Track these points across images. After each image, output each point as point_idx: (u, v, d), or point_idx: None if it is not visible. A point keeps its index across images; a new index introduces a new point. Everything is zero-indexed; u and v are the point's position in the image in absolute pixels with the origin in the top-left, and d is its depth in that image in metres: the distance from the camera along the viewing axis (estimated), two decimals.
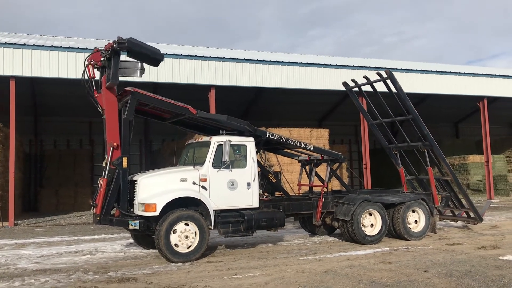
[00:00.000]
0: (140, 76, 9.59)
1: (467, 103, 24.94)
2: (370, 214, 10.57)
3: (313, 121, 28.94)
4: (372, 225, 10.55)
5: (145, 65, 9.69)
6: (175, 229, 8.54)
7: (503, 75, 23.90)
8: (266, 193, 10.41)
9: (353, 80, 13.00)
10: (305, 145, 10.96)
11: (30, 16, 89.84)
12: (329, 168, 11.11)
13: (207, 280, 7.22)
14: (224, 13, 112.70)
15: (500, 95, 23.79)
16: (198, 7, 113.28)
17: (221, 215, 9.20)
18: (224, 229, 9.21)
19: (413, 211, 11.09)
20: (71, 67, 16.04)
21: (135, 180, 9.03)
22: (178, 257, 8.54)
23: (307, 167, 12.00)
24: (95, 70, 9.23)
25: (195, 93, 18.50)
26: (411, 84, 20.60)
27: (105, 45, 9.09)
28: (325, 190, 10.91)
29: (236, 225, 9.30)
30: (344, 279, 7.08)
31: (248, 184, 9.54)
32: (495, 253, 8.95)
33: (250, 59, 18.97)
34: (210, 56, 18.26)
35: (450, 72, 22.68)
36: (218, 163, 9.23)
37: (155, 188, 8.86)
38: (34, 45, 15.98)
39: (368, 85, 12.57)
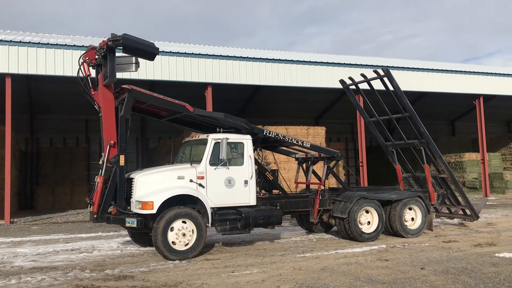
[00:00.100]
0: (136, 70, 9.54)
1: (463, 101, 25.02)
2: (367, 212, 10.59)
3: (310, 119, 28.98)
4: (369, 222, 10.57)
5: (141, 63, 9.66)
6: (173, 227, 8.54)
7: (499, 73, 24.00)
8: (263, 191, 10.41)
9: (350, 78, 13.02)
10: (302, 143, 10.97)
11: (26, 14, 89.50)
12: (326, 165, 11.13)
13: (204, 277, 7.22)
14: (220, 10, 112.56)
15: (496, 93, 23.88)
16: (194, 4, 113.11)
17: (219, 213, 9.20)
18: (222, 226, 9.21)
19: (410, 209, 11.12)
20: (67, 64, 15.98)
21: (132, 178, 9.02)
22: (175, 254, 8.54)
23: (304, 165, 12.01)
24: (90, 68, 9.20)
25: (192, 91, 18.49)
26: (407, 82, 20.63)
27: (100, 43, 9.06)
28: (322, 187, 10.93)
29: (234, 222, 9.31)
30: (341, 277, 7.09)
31: (246, 182, 9.54)
32: (491, 250, 8.99)
33: (247, 57, 18.96)
34: (207, 54, 18.23)
35: (447, 70, 22.74)
36: (215, 160, 9.22)
37: (152, 186, 8.84)
38: (30, 42, 15.91)
39: (365, 83, 12.59)
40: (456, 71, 22.95)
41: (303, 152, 11.78)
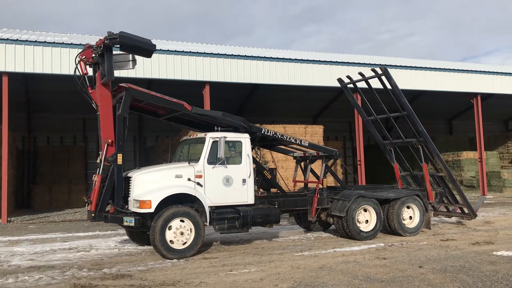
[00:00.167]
0: (133, 67, 9.52)
1: (461, 99, 25.03)
2: (365, 210, 10.60)
3: (307, 117, 28.99)
4: (367, 221, 10.58)
5: (139, 62, 9.63)
6: (171, 226, 8.52)
7: (497, 72, 24.02)
8: (261, 190, 10.41)
9: (348, 77, 13.01)
10: (300, 141, 10.96)
11: (23, 12, 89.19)
12: (324, 164, 11.13)
13: (202, 276, 7.20)
14: (218, 8, 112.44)
15: (493, 92, 23.91)
16: (192, 3, 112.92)
17: (217, 212, 9.18)
18: (220, 225, 9.20)
19: (408, 207, 11.13)
20: (64, 63, 15.92)
21: (130, 177, 8.99)
22: (173, 253, 8.52)
23: (302, 164, 12.00)
24: (87, 66, 9.17)
25: (189, 89, 18.46)
26: (405, 80, 20.64)
27: (96, 42, 9.03)
28: (320, 186, 10.93)
29: (232, 221, 9.29)
30: (339, 275, 7.09)
31: (244, 181, 9.52)
32: (489, 249, 9.00)
33: (245, 55, 18.92)
34: (204, 52, 18.19)
35: (444, 68, 22.75)
36: (213, 159, 9.20)
37: (150, 185, 8.82)
38: (27, 40, 15.84)
39: (363, 82, 12.58)
40: (454, 69, 22.97)
41: (301, 150, 11.78)
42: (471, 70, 23.44)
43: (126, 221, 8.62)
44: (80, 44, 15.83)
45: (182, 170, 9.06)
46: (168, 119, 10.48)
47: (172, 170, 9.11)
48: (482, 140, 23.19)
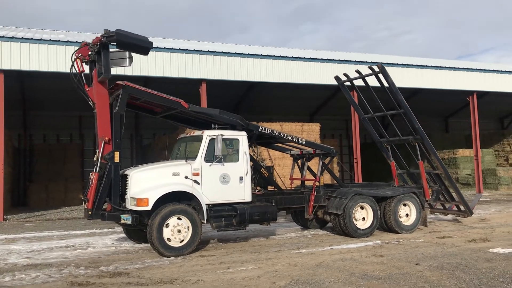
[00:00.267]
0: (129, 65, 9.49)
1: (457, 97, 25.12)
2: (362, 208, 10.62)
3: (304, 115, 28.98)
4: (363, 218, 10.60)
5: (135, 59, 9.61)
6: (168, 223, 8.52)
7: (493, 70, 24.10)
8: (258, 187, 10.42)
9: (345, 75, 13.02)
10: (297, 139, 10.97)
11: (19, 9, 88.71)
12: (321, 162, 11.13)
13: (200, 274, 7.21)
14: (214, 6, 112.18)
15: (489, 90, 23.99)
16: (188, 0, 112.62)
17: (214, 209, 9.18)
18: (217, 223, 9.20)
19: (404, 205, 11.16)
20: (60, 60, 15.85)
21: (127, 175, 8.98)
22: (170, 251, 8.52)
23: (299, 161, 12.01)
24: (84, 64, 9.14)
25: (186, 87, 18.41)
26: (402, 78, 20.67)
27: (93, 39, 9.00)
28: (317, 184, 10.94)
29: (229, 219, 9.29)
30: (336, 272, 7.11)
31: (241, 178, 9.52)
32: (485, 246, 9.05)
33: (242, 53, 18.90)
34: (201, 50, 18.16)
35: (441, 66, 22.82)
36: (210, 157, 9.20)
37: (147, 183, 8.81)
38: (22, 38, 15.76)
39: (360, 79, 12.60)
40: (450, 67, 23.04)
41: (298, 148, 11.79)
42: (467, 68, 23.52)
43: (123, 219, 8.60)
44: (76, 42, 15.79)
45: (179, 168, 9.05)
46: (165, 117, 10.47)
47: (169, 168, 9.11)
48: (478, 138, 23.28)
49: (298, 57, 19.91)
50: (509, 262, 7.56)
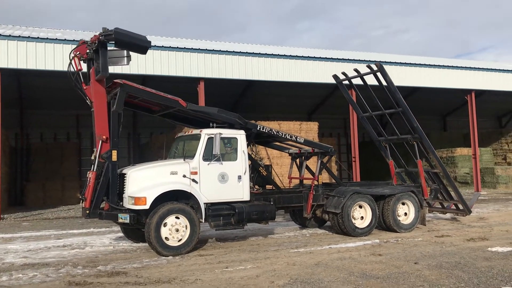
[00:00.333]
0: (127, 64, 9.45)
1: (455, 96, 25.12)
2: (360, 207, 10.60)
3: (302, 114, 28.97)
4: (362, 217, 10.58)
5: (133, 58, 9.56)
6: (166, 223, 8.48)
7: (491, 69, 24.11)
8: (256, 186, 10.39)
9: (344, 73, 13.00)
10: (296, 138, 10.94)
11: (15, 7, 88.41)
12: (319, 161, 11.11)
13: (198, 273, 7.18)
14: (212, 4, 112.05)
15: (487, 89, 23.99)
16: None
17: (212, 208, 9.15)
18: (215, 222, 9.17)
19: (403, 204, 11.15)
20: (58, 59, 15.78)
21: (125, 174, 8.94)
22: (168, 250, 8.48)
23: (297, 160, 11.99)
24: (82, 62, 9.09)
25: (184, 85, 18.36)
26: (400, 77, 20.65)
27: (91, 38, 8.95)
28: (316, 183, 10.92)
29: (227, 218, 9.27)
30: (335, 272, 7.09)
31: (239, 177, 9.49)
32: (484, 245, 9.04)
33: (240, 52, 18.87)
34: (199, 48, 18.11)
35: (439, 65, 22.81)
36: (208, 156, 9.16)
37: (145, 182, 8.78)
38: (19, 36, 15.68)
39: (358, 78, 12.58)
40: (448, 66, 23.04)
41: (296, 147, 11.76)
42: (466, 67, 23.53)
43: (121, 218, 8.57)
44: (74, 40, 15.71)
45: (177, 167, 9.02)
46: (163, 115, 10.43)
47: (167, 167, 9.07)
48: (476, 137, 23.29)
49: (297, 56, 19.88)
50: (507, 261, 7.55)
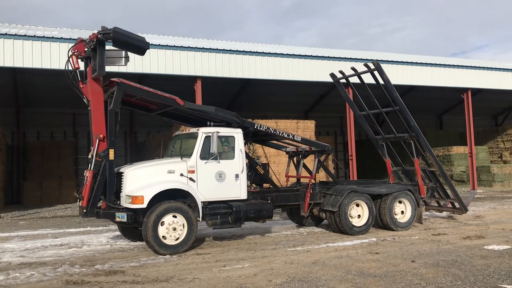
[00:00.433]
0: (125, 64, 9.44)
1: (451, 94, 25.19)
2: (357, 205, 10.63)
3: (299, 112, 29.00)
4: (359, 216, 10.61)
5: (130, 56, 9.54)
6: (163, 221, 8.48)
7: (487, 67, 24.20)
8: (254, 185, 10.40)
9: (341, 72, 13.02)
10: (293, 136, 10.95)
11: (12, 5, 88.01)
12: (316, 159, 11.13)
13: (196, 272, 7.18)
14: (208, 2, 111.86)
15: (483, 87, 24.08)
16: None
17: (209, 207, 9.15)
18: (212, 220, 9.17)
19: (400, 202, 11.18)
20: (54, 57, 15.73)
21: (122, 172, 8.93)
22: (166, 249, 8.49)
23: (294, 159, 11.99)
24: (79, 60, 9.07)
25: (181, 84, 18.36)
26: (396, 75, 20.68)
27: (89, 36, 8.92)
28: (313, 181, 10.94)
29: (224, 216, 9.27)
30: (332, 270, 7.11)
31: (236, 176, 9.50)
32: (480, 243, 9.08)
33: (237, 50, 18.85)
34: (196, 47, 18.09)
35: (436, 64, 22.86)
36: (206, 154, 9.16)
37: (142, 180, 8.77)
38: (16, 34, 15.61)
39: (355, 77, 12.60)
40: (444, 64, 23.09)
41: (293, 145, 11.77)
42: (462, 66, 23.58)
43: (118, 217, 8.56)
44: (70, 39, 15.67)
45: (175, 166, 9.01)
46: (160, 114, 10.41)
47: (165, 166, 9.06)
48: (472, 135, 23.37)
49: (294, 54, 19.88)
50: (504, 259, 7.59)
